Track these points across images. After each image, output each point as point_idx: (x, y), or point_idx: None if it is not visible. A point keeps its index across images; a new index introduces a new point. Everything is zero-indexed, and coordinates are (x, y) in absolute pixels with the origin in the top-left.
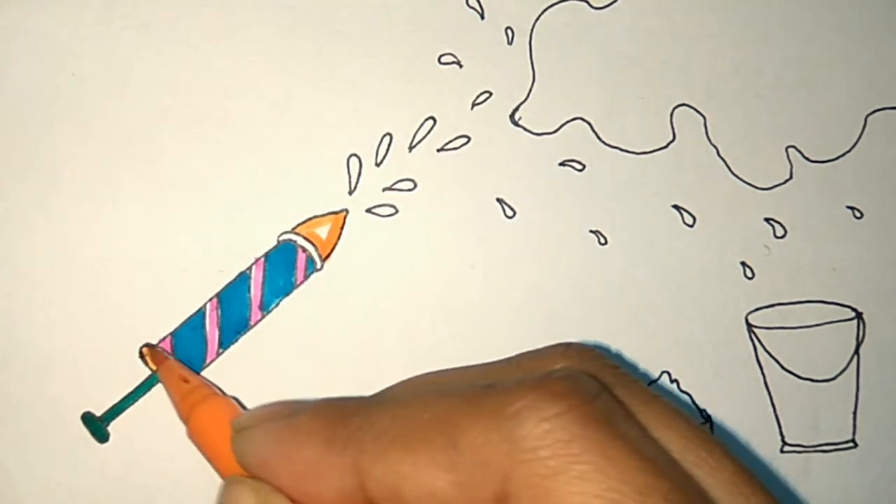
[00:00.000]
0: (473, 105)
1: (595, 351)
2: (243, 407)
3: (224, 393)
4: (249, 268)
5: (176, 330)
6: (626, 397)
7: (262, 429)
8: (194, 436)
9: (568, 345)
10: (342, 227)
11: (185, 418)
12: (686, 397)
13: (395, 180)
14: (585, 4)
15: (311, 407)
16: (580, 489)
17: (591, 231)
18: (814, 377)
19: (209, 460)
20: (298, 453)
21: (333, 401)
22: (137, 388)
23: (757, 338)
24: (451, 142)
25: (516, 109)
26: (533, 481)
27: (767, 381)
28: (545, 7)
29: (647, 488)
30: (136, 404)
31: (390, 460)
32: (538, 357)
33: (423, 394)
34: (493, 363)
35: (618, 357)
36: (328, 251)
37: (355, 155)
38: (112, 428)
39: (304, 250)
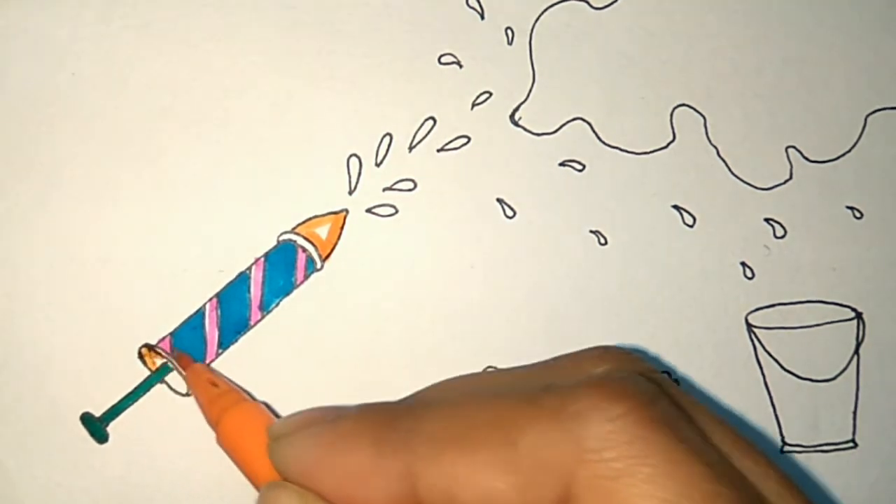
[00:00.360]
0: (473, 105)
1: (634, 354)
2: (274, 412)
3: (254, 398)
4: (249, 268)
5: (175, 330)
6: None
7: (304, 435)
8: (224, 442)
9: (606, 348)
10: (342, 228)
11: (214, 424)
12: None
13: (395, 180)
14: (585, 4)
15: (355, 411)
16: (647, 492)
17: (591, 231)
18: (814, 377)
19: (240, 467)
20: (345, 459)
21: (378, 405)
22: (137, 388)
23: (757, 338)
24: (451, 142)
25: (516, 109)
26: (597, 483)
27: (767, 381)
28: (545, 7)
29: (713, 494)
30: (136, 405)
31: (445, 462)
32: (577, 360)
33: (476, 395)
34: (530, 366)
35: (655, 360)
36: (328, 251)
37: (355, 155)
38: (111, 428)
39: (304, 250)
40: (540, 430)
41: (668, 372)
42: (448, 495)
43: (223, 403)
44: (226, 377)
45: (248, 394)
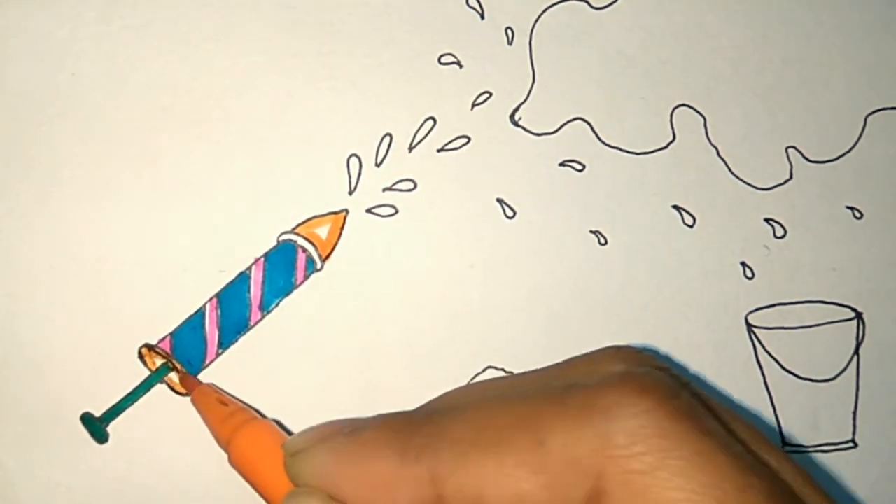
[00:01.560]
0: (473, 105)
1: (646, 353)
2: (285, 429)
3: (263, 415)
4: (249, 268)
5: (176, 330)
6: None
7: (323, 448)
8: (238, 461)
9: (618, 347)
10: (342, 228)
11: (226, 444)
12: None
13: (395, 180)
14: (585, 5)
15: (372, 422)
16: (679, 485)
17: (592, 231)
18: (814, 377)
19: (256, 486)
20: (368, 468)
21: (396, 414)
22: (137, 388)
23: (757, 338)
24: (451, 142)
25: (516, 110)
26: (628, 478)
27: (767, 381)
28: (545, 7)
29: (745, 485)
30: (136, 405)
31: (472, 466)
32: (591, 360)
33: (497, 399)
34: (544, 369)
35: (666, 359)
36: (328, 251)
37: (355, 155)
38: (111, 428)
39: (304, 250)
40: (566, 428)
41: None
42: (476, 499)
43: (234, 422)
44: (233, 396)
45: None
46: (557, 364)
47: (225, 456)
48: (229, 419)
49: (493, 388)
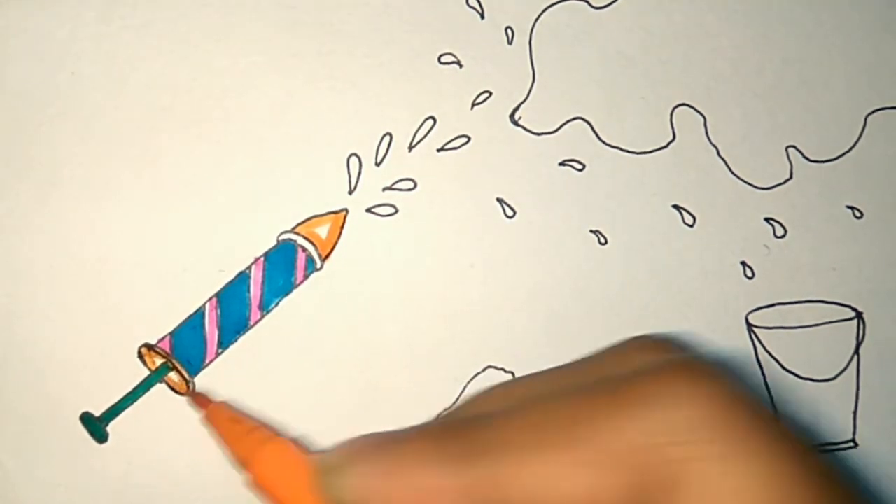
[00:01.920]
0: (473, 105)
1: (670, 342)
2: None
3: (279, 433)
4: (249, 267)
5: (175, 330)
6: None
7: (363, 465)
8: (261, 482)
9: (643, 337)
10: (342, 227)
11: (244, 464)
12: None
13: (395, 180)
14: (585, 4)
15: (411, 434)
16: (750, 471)
17: (592, 231)
18: (814, 377)
19: None
20: (411, 481)
21: (432, 423)
22: (136, 388)
23: (757, 338)
24: (450, 141)
25: (516, 109)
26: (698, 466)
27: (767, 381)
28: (545, 7)
29: (806, 469)
30: (135, 405)
31: (524, 468)
32: (621, 352)
33: (545, 398)
34: (575, 364)
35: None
36: (328, 251)
37: (355, 154)
38: (111, 428)
39: (304, 250)
40: (627, 421)
41: None
42: (540, 500)
43: (251, 442)
44: (246, 413)
45: (248, 394)
46: (586, 359)
47: (224, 457)
48: (245, 438)
49: (528, 388)
